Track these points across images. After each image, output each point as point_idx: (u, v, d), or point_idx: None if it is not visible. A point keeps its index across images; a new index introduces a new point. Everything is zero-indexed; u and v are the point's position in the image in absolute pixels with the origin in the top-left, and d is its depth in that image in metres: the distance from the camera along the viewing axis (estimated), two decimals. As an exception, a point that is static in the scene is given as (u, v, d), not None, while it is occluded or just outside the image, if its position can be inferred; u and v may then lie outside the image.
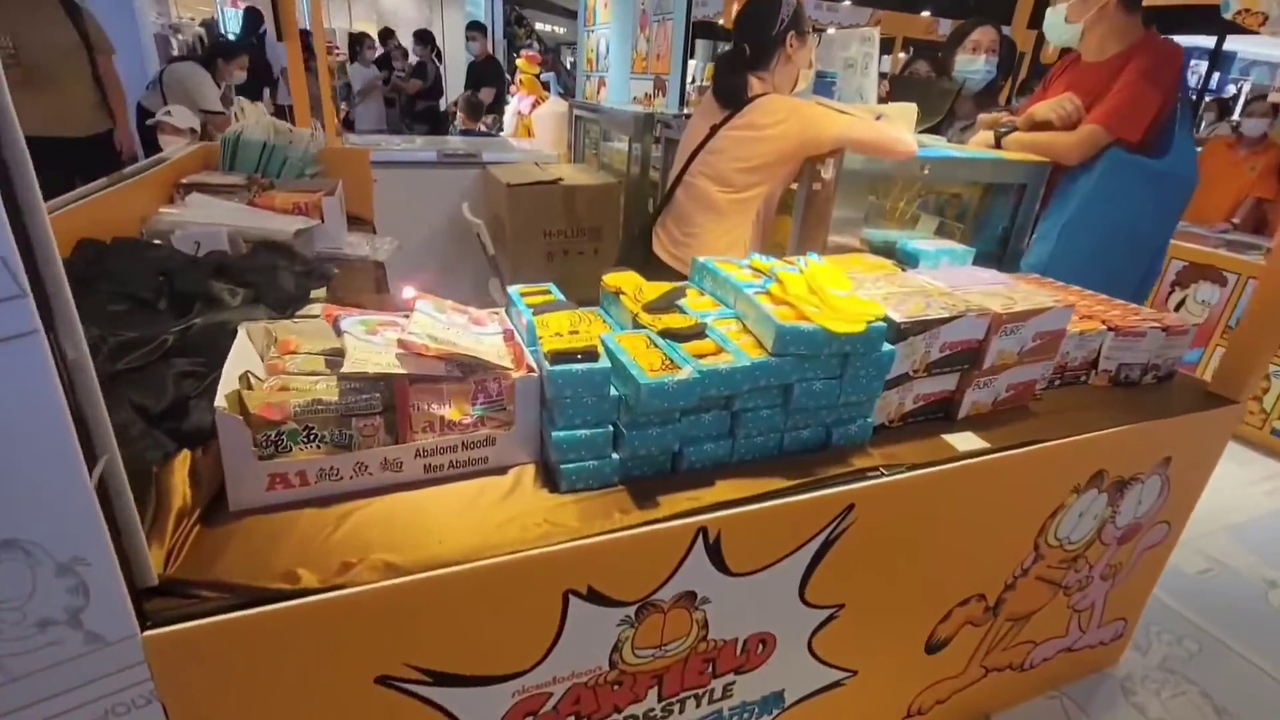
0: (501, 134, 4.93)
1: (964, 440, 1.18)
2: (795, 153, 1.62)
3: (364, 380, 0.85)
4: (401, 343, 0.87)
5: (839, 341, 0.98)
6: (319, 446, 0.83)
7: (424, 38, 6.70)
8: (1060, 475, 1.28)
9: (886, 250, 1.80)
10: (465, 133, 4.73)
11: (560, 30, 15.18)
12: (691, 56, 4.46)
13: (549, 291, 1.20)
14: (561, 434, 0.91)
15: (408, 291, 1.03)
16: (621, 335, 1.01)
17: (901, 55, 7.03)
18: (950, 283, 1.27)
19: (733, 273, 1.20)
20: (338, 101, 7.05)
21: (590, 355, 0.91)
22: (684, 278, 1.83)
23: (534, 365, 0.95)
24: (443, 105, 6.74)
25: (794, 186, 1.80)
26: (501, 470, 0.95)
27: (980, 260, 1.66)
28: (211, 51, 4.40)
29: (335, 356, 0.94)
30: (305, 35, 3.25)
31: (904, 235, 1.80)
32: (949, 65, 2.40)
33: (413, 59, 6.58)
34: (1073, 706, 1.67)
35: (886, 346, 1.03)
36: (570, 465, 0.92)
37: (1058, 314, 1.21)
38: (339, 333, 0.91)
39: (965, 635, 1.40)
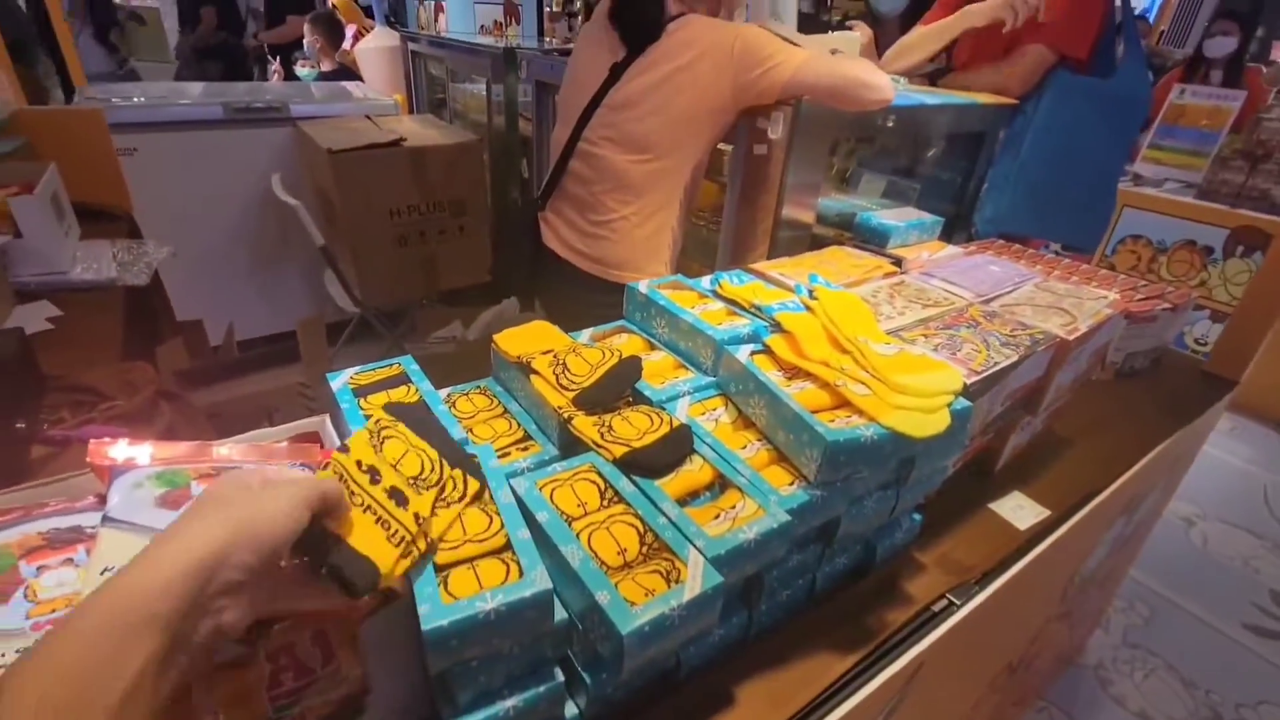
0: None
1: (1016, 509, 0.88)
2: (734, 100, 1.18)
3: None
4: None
5: (912, 446, 0.60)
6: None
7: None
8: (1103, 520, 1.03)
9: (842, 223, 1.45)
10: (327, 76, 3.52)
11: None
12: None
13: (403, 376, 0.70)
14: (478, 717, 0.47)
15: (106, 445, 0.50)
16: (553, 483, 0.56)
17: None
18: (974, 289, 0.93)
19: (696, 311, 0.78)
20: (76, 32, 5.46)
21: (350, 582, 0.41)
22: (592, 279, 1.38)
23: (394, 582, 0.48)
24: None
25: (723, 148, 1.38)
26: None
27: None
28: None
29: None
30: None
31: (860, 204, 1.45)
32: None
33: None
34: (1061, 716, 1.54)
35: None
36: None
37: (1114, 322, 0.92)
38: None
39: (984, 700, 1.17)
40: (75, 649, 0.31)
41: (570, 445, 0.63)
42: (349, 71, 3.60)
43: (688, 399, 0.68)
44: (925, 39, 1.68)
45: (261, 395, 1.87)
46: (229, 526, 0.36)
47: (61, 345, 1.11)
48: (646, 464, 0.57)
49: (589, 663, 0.52)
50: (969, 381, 0.68)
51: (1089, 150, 1.64)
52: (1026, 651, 1.15)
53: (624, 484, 0.56)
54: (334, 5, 3.96)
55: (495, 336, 0.73)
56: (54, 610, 0.41)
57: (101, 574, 0.40)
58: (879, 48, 1.92)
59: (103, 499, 0.51)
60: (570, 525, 0.52)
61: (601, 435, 0.60)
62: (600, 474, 0.57)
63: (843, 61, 1.17)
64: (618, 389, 0.66)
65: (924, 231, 1.32)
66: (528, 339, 0.72)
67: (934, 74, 1.78)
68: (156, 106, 2.27)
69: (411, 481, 0.49)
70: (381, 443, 0.51)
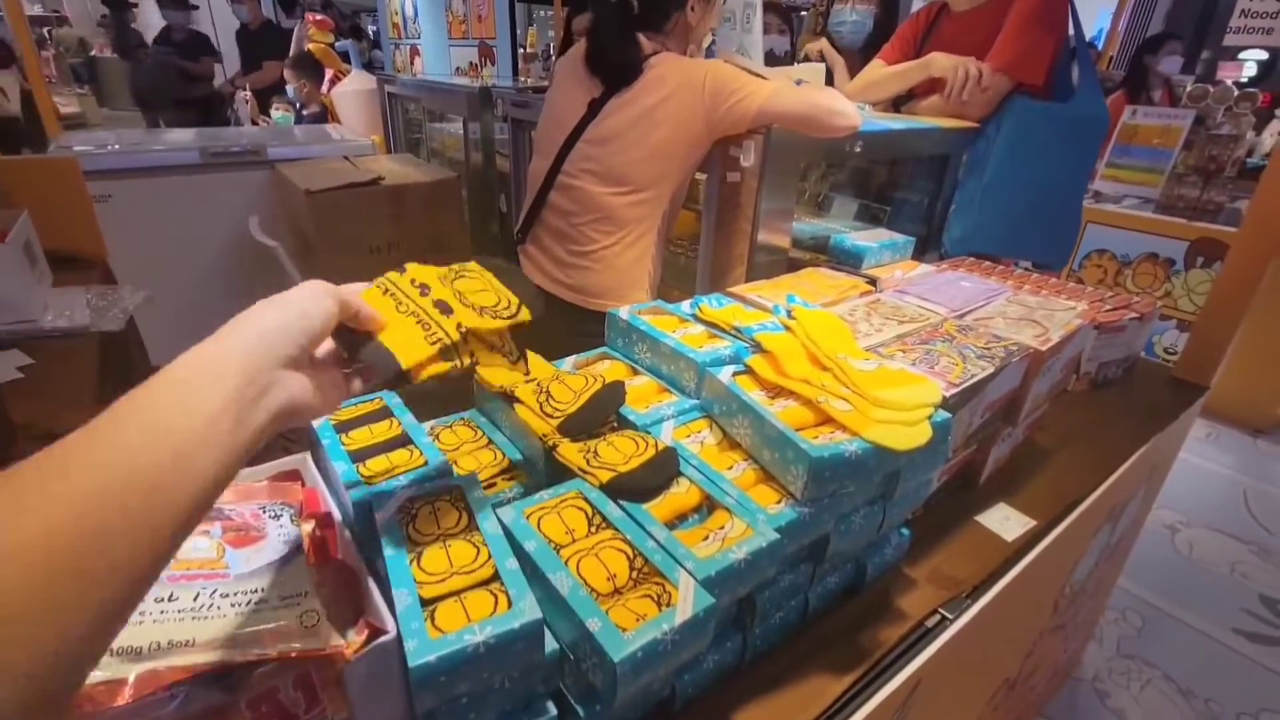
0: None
1: (1002, 520, 0.89)
2: (708, 132, 1.21)
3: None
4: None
5: (895, 459, 0.61)
6: None
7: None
8: (1088, 528, 1.04)
9: (817, 246, 1.48)
10: (308, 119, 3.55)
11: (355, -7, 13.42)
12: (530, 23, 3.88)
13: (385, 410, 0.70)
14: (460, 758, 0.45)
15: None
16: (540, 510, 0.56)
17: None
18: (947, 305, 0.95)
19: (678, 335, 0.78)
20: (68, 80, 5.48)
21: (375, 366, 0.46)
22: (573, 309, 1.39)
23: (379, 614, 0.47)
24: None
25: (699, 176, 1.41)
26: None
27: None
28: None
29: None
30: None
31: (833, 228, 1.48)
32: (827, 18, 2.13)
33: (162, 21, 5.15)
34: (1062, 732, 1.53)
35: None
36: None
37: (1085, 332, 0.94)
38: None
39: (985, 718, 1.15)
40: (160, 395, 0.34)
41: (556, 473, 0.63)
42: (327, 114, 3.64)
43: (672, 422, 0.68)
44: (890, 80, 1.75)
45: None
46: (284, 311, 0.41)
47: (33, 394, 1.08)
48: (633, 488, 0.57)
49: (582, 695, 0.51)
50: (948, 394, 0.69)
51: (1052, 171, 1.70)
52: (1024, 666, 1.14)
53: (611, 509, 0.56)
54: (310, 50, 4.01)
55: (478, 368, 0.73)
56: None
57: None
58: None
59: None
60: (558, 553, 0.51)
61: (587, 461, 0.60)
62: (587, 500, 0.57)
63: (810, 91, 1.21)
64: (602, 414, 0.66)
65: (896, 251, 1.35)
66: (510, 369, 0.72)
67: (897, 100, 1.84)
68: (132, 153, 2.27)
69: (479, 310, 0.50)
70: (457, 277, 0.52)
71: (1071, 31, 1.67)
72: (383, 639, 0.46)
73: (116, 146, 2.28)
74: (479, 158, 2.42)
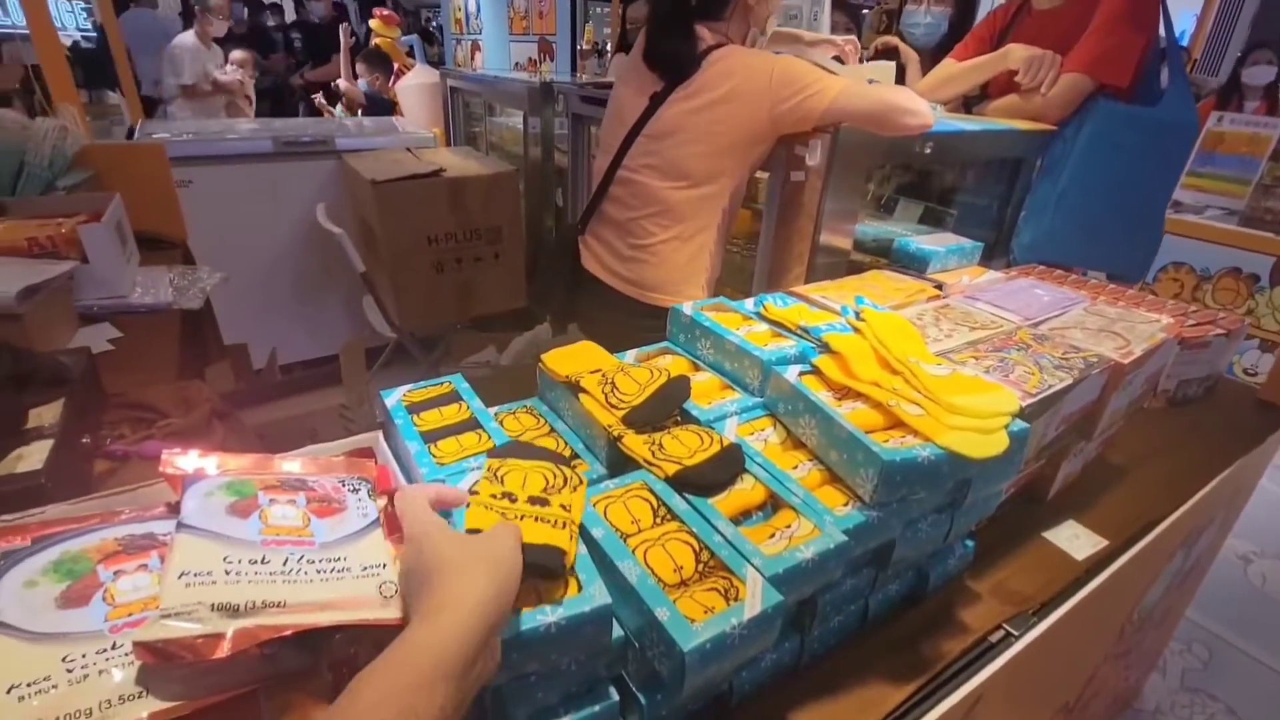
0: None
1: (1071, 538, 0.85)
2: (772, 128, 1.19)
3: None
4: (146, 649, 0.38)
5: (968, 467, 0.59)
6: None
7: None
8: (1162, 552, 0.99)
9: (880, 249, 1.45)
10: (370, 110, 3.80)
11: (418, -11, 13.75)
12: (587, 20, 3.91)
13: (454, 394, 0.72)
14: (528, 734, 0.46)
15: (176, 455, 0.52)
16: (607, 499, 0.56)
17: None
18: (1021, 313, 0.92)
19: (742, 332, 0.78)
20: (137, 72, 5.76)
21: (551, 562, 0.46)
22: (629, 301, 1.40)
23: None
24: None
25: (760, 175, 1.39)
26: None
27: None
28: None
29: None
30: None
31: (897, 230, 1.45)
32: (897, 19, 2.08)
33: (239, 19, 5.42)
34: (1118, 763, 1.46)
35: (1014, 450, 0.65)
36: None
37: (1168, 346, 0.90)
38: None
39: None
40: (383, 710, 0.33)
41: (619, 463, 0.63)
42: (386, 106, 3.76)
43: (735, 419, 0.68)
44: (965, 74, 1.69)
45: (303, 417, 1.91)
46: (496, 575, 0.40)
47: (122, 365, 1.15)
48: (699, 482, 0.57)
49: (644, 682, 0.51)
50: (1024, 404, 0.67)
51: (1135, 178, 1.62)
52: (1084, 691, 1.09)
53: (677, 502, 0.56)
54: (377, 45, 4.14)
55: (543, 356, 0.74)
56: (130, 614, 0.42)
57: (179, 577, 0.41)
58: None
59: (171, 508, 0.52)
60: (625, 541, 0.52)
61: (653, 453, 0.60)
62: (652, 491, 0.57)
63: (881, 88, 1.18)
64: (667, 408, 0.66)
65: (963, 257, 1.31)
66: (575, 359, 0.73)
67: (968, 100, 1.79)
68: (211, 140, 2.38)
69: (542, 492, 0.54)
70: (501, 479, 0.55)
71: (1162, 32, 1.59)
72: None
73: (192, 135, 2.40)
74: (538, 152, 2.46)
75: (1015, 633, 0.70)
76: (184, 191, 2.12)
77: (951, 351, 0.78)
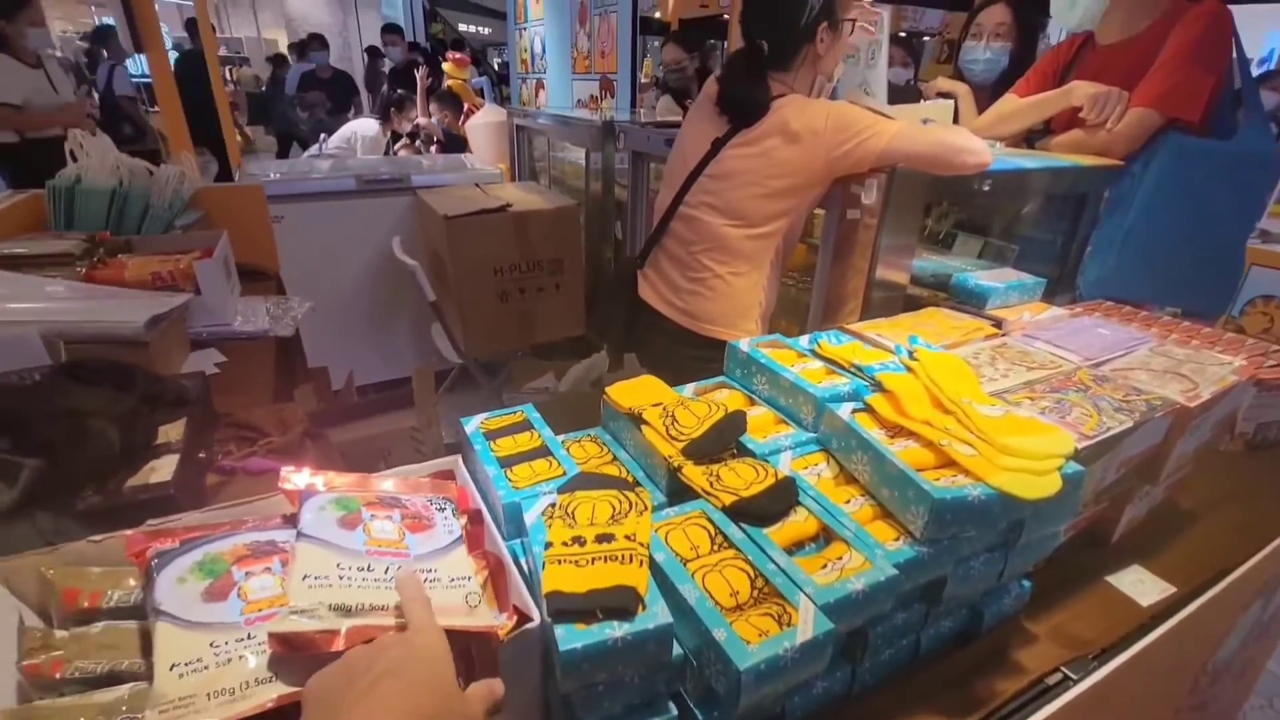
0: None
1: (1136, 583, 0.84)
2: (827, 172, 1.24)
3: (196, 729, 0.42)
4: (279, 639, 0.44)
5: (1021, 508, 0.61)
6: None
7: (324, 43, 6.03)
8: (1237, 602, 0.95)
9: (938, 284, 1.45)
10: (444, 148, 4.03)
11: (485, 31, 14.49)
12: (645, 55, 4.06)
13: (525, 423, 0.78)
14: (591, 742, 0.50)
15: (292, 473, 0.59)
16: (667, 526, 0.61)
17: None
18: (1082, 352, 0.92)
19: (797, 369, 0.81)
20: (241, 121, 6.31)
21: (625, 603, 0.50)
22: (685, 333, 1.45)
23: (525, 602, 0.53)
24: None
25: (817, 211, 1.43)
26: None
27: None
28: None
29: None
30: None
31: (956, 265, 1.45)
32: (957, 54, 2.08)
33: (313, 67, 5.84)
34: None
35: (1070, 491, 0.66)
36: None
37: (1241, 389, 0.88)
38: (152, 612, 0.47)
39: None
40: None
41: (678, 492, 0.68)
42: (458, 142, 3.99)
43: (789, 453, 0.71)
44: (1027, 110, 1.69)
45: (376, 438, 2.03)
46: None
47: (225, 387, 1.27)
48: (755, 513, 0.61)
49: (701, 700, 0.55)
50: (1080, 446, 0.68)
51: (1209, 212, 1.57)
52: (1155, 747, 1.05)
53: (733, 530, 0.60)
54: (449, 87, 4.40)
55: (607, 389, 0.80)
56: (260, 610, 0.49)
57: (302, 579, 0.47)
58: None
59: (286, 519, 0.60)
60: (685, 566, 0.56)
61: (710, 484, 0.64)
62: (710, 520, 0.61)
63: (937, 129, 1.21)
64: (724, 441, 0.70)
65: (1025, 293, 1.30)
66: (637, 392, 0.78)
67: (1031, 135, 1.77)
68: (300, 180, 2.60)
69: (609, 522, 0.58)
70: (572, 514, 0.60)
71: (1235, 58, 1.55)
72: (529, 625, 0.52)
73: (282, 175, 2.63)
74: (598, 186, 2.56)
75: (1074, 676, 0.70)
76: (276, 226, 2.31)
77: (1007, 392, 0.79)
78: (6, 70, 2.97)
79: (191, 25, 6.45)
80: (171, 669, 0.43)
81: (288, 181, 2.58)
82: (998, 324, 1.07)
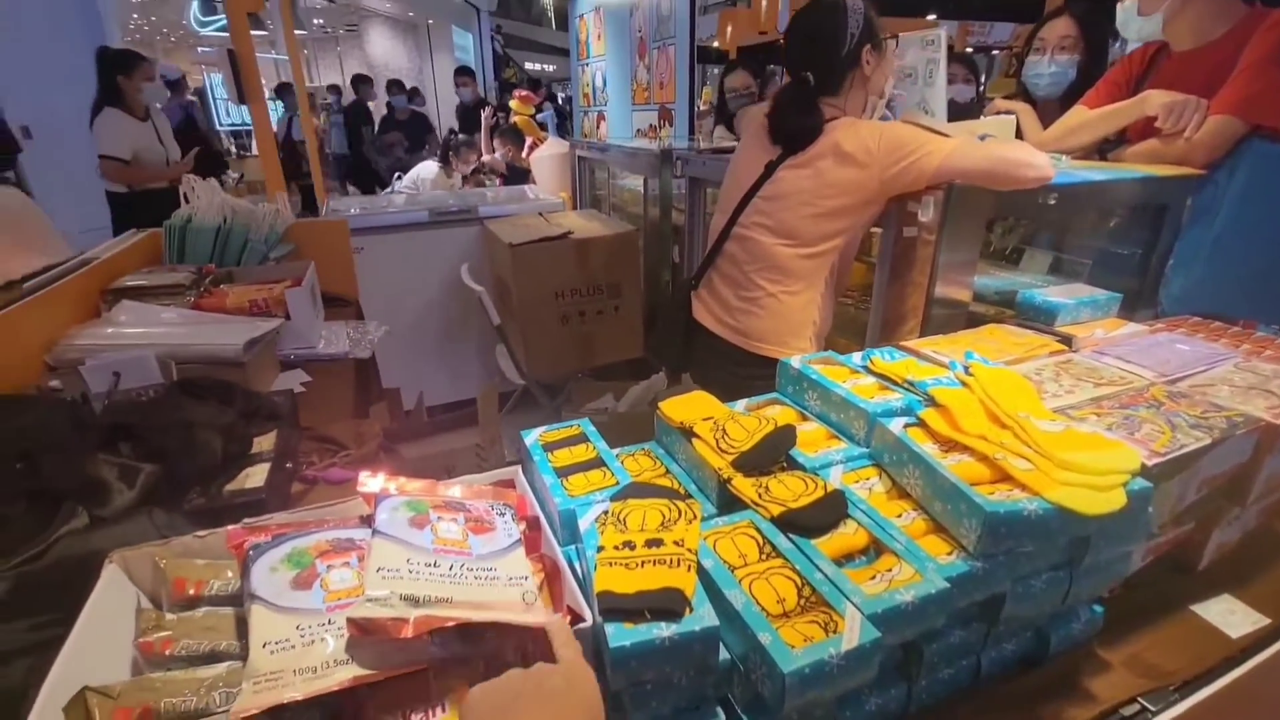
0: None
1: (1225, 613, 0.78)
2: (882, 191, 1.24)
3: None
4: (356, 624, 0.48)
5: (1083, 524, 0.59)
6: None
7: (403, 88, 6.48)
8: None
9: (1003, 302, 1.41)
10: (507, 180, 4.22)
11: (550, 68, 15.12)
12: (704, 82, 4.15)
13: (582, 436, 0.81)
14: (640, 742, 0.52)
15: (369, 477, 0.64)
16: (716, 534, 0.62)
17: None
18: (1156, 368, 0.88)
19: (848, 385, 0.81)
20: (329, 162, 6.79)
21: (672, 604, 0.52)
22: (737, 351, 1.46)
23: (579, 603, 0.56)
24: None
25: (874, 230, 1.42)
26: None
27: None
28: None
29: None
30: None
31: (1023, 281, 1.41)
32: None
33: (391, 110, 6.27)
34: None
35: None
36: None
37: (1340, 408, 0.82)
38: (248, 597, 0.53)
39: None
40: None
41: (728, 504, 0.69)
42: (521, 174, 4.18)
43: (841, 467, 0.71)
44: (1098, 122, 1.64)
45: (443, 454, 2.12)
46: None
47: (310, 404, 1.37)
48: (803, 524, 0.62)
49: (748, 705, 0.55)
50: (1149, 463, 0.65)
51: None
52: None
53: (781, 541, 0.61)
54: (515, 123, 4.62)
55: (660, 403, 0.82)
56: (339, 599, 0.54)
57: (377, 571, 0.52)
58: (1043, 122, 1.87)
59: (363, 520, 0.65)
60: (733, 573, 0.57)
61: (759, 495, 0.66)
62: (759, 530, 0.62)
63: (995, 144, 1.19)
64: (774, 454, 0.71)
65: (1098, 309, 1.25)
66: (689, 407, 0.80)
67: (1103, 146, 1.71)
68: (379, 213, 2.78)
69: (659, 528, 0.60)
70: (624, 521, 0.62)
71: None
72: (581, 625, 0.55)
73: (361, 209, 2.82)
74: (656, 212, 2.62)
75: (1152, 708, 0.66)
76: (356, 256, 2.48)
77: (1071, 408, 0.77)
78: (117, 123, 3.23)
79: (358, 80, 7.13)
80: (264, 646, 0.48)
81: (367, 215, 2.77)
82: (1067, 341, 1.03)
